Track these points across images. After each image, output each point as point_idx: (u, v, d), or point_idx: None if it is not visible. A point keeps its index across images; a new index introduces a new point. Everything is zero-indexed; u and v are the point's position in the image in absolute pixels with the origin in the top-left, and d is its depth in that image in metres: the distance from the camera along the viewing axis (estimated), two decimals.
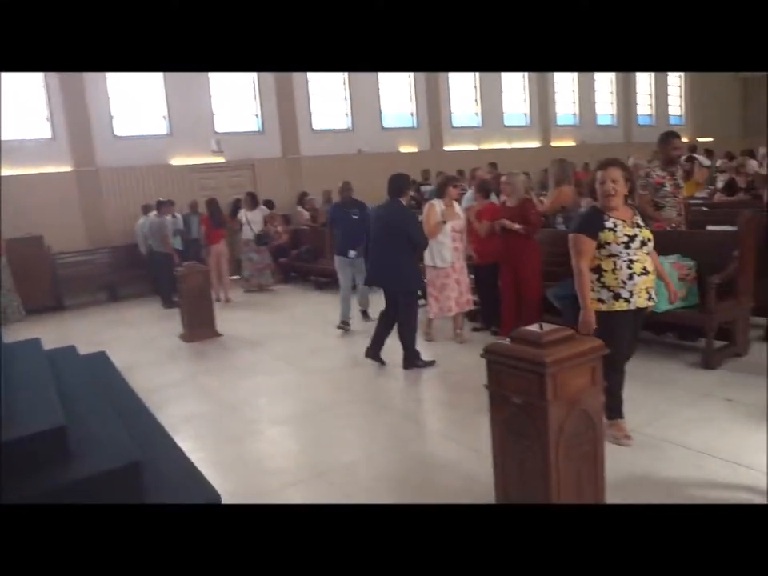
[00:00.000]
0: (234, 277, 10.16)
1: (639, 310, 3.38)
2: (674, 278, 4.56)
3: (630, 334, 3.46)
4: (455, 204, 5.81)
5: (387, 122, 14.29)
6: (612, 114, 20.21)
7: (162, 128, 11.19)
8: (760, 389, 3.95)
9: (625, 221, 3.36)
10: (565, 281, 5.33)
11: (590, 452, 2.57)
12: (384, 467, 3.54)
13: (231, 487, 3.38)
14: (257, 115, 12.32)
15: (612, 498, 2.68)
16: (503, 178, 5.95)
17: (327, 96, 13.39)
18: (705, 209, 6.79)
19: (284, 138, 12.49)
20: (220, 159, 11.67)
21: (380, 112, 14.12)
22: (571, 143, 18.01)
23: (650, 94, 21.68)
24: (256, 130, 12.32)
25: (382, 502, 3.12)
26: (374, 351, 5.32)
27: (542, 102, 17.52)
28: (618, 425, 3.54)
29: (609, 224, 3.33)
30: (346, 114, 13.66)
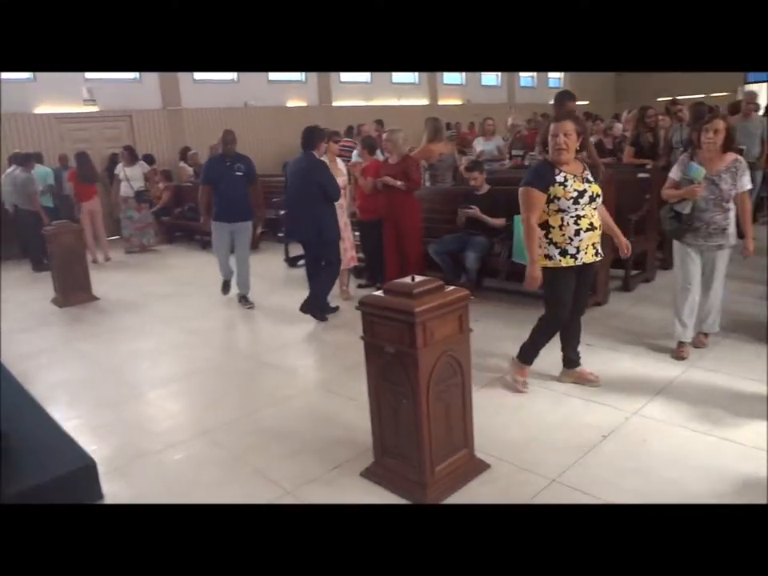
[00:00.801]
0: (114, 237, 9.64)
1: (586, 265, 3.42)
2: None
3: (582, 289, 3.54)
4: (338, 160, 5.81)
5: (274, 75, 13.87)
6: (496, 75, 20.76)
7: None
8: (662, 307, 4.63)
9: (575, 175, 3.32)
10: (444, 237, 5.55)
11: (458, 395, 2.74)
12: (267, 422, 3.58)
13: (109, 452, 3.30)
14: None
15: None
16: (385, 135, 6.00)
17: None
18: None
19: (164, 88, 11.80)
20: (92, 108, 10.86)
21: None
22: (458, 102, 18.35)
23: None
24: (132, 78, 11.56)
25: (264, 455, 3.18)
26: (321, 314, 5.33)
27: None
28: (522, 369, 3.69)
29: (559, 178, 3.29)
30: None
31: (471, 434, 2.86)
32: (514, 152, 8.56)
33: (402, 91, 16.79)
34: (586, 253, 3.36)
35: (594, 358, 4.01)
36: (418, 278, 2.61)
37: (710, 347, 4.10)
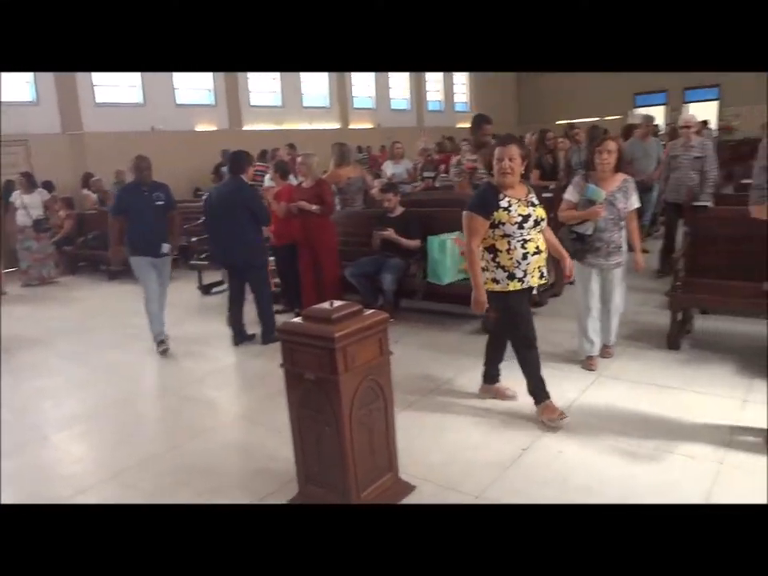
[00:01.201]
0: (10, 270, 9.05)
1: (531, 288, 3.41)
2: (456, 253, 4.99)
3: (528, 310, 3.52)
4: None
5: (182, 98, 13.59)
6: (406, 99, 21.26)
7: None
8: (572, 319, 4.55)
9: (519, 199, 3.31)
10: (360, 259, 5.59)
11: (381, 418, 2.75)
12: (186, 458, 3.44)
13: (15, 501, 3.06)
14: (29, 82, 10.98)
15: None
16: (299, 159, 6.01)
17: None
18: None
19: (63, 112, 11.31)
20: None
21: (173, 88, 13.39)
22: (369, 126, 18.63)
23: (439, 81, 23.12)
24: (29, 100, 10.99)
25: (184, 493, 3.05)
26: (238, 334, 5.32)
27: (340, 85, 17.86)
28: (548, 407, 3.45)
29: (503, 203, 3.26)
30: (136, 87, 12.74)
31: (395, 457, 2.86)
32: (425, 174, 8.77)
33: (313, 115, 16.88)
34: (532, 276, 3.34)
35: (510, 371, 4.13)
36: (336, 303, 2.61)
37: (616, 356, 4.33)
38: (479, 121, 5.38)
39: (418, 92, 21.48)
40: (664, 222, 6.55)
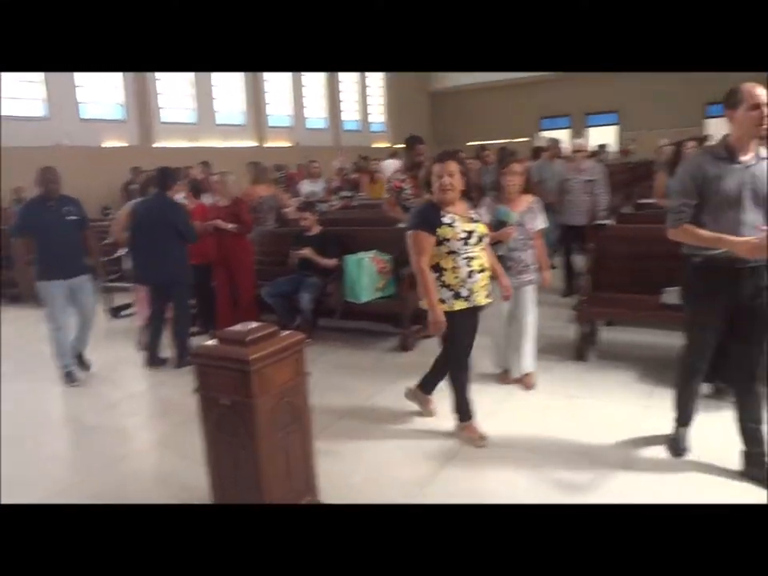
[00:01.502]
0: None
1: (477, 307, 3.36)
2: (373, 271, 5.03)
3: (470, 331, 3.45)
4: None
5: (89, 113, 13.05)
6: (324, 119, 21.37)
7: None
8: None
9: (462, 216, 3.28)
10: (277, 279, 5.53)
11: (299, 441, 2.71)
12: (98, 489, 3.25)
13: None
14: None
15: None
16: (215, 178, 5.92)
17: (15, 77, 11.69)
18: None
19: None
20: None
21: (76, 102, 12.84)
22: (286, 144, 18.57)
23: (356, 101, 23.41)
24: None
25: None
26: (152, 357, 5.13)
27: (256, 102, 17.74)
28: (469, 427, 3.48)
29: (446, 219, 3.22)
30: (40, 100, 12.13)
31: (314, 479, 2.83)
32: (342, 193, 8.82)
33: (228, 132, 16.66)
34: (478, 295, 3.30)
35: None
36: (251, 325, 2.57)
37: None
38: (412, 141, 5.39)
39: (334, 111, 21.66)
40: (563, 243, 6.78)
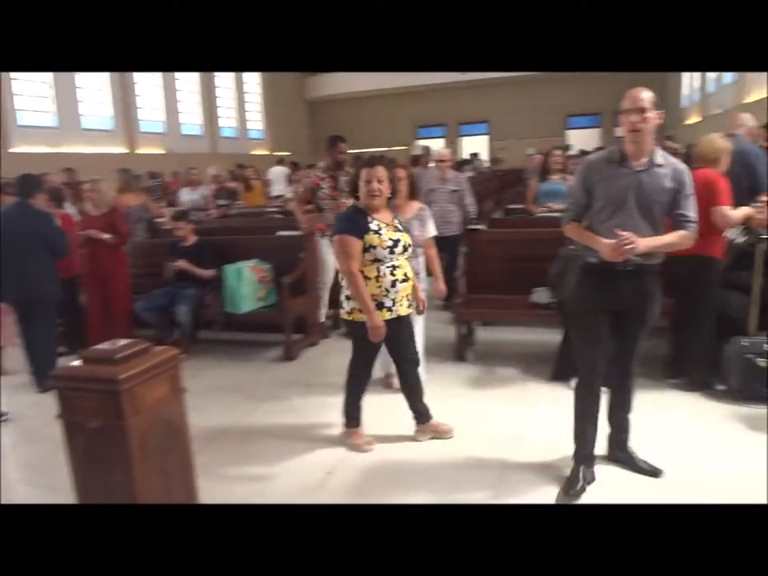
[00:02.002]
0: None
1: (401, 317, 3.28)
2: (253, 280, 4.94)
3: (406, 340, 3.38)
4: None
5: None
6: (199, 125, 20.72)
7: None
8: (334, 373, 4.60)
9: (387, 224, 3.20)
10: (152, 292, 5.27)
11: (178, 461, 2.59)
12: None
13: None
14: None
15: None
16: (87, 186, 5.54)
17: None
18: (278, 215, 7.52)
19: None
20: None
21: None
22: (159, 151, 17.81)
23: (233, 108, 22.91)
24: None
25: None
26: (39, 379, 4.66)
27: (126, 106, 16.88)
28: (357, 433, 3.49)
29: (373, 226, 3.13)
30: None
31: (196, 498, 2.71)
32: (219, 202, 8.58)
33: (94, 138, 15.71)
34: (401, 305, 3.24)
35: (311, 399, 4.18)
36: (120, 342, 2.42)
37: None
38: (334, 140, 5.33)
39: (211, 118, 21.08)
40: None
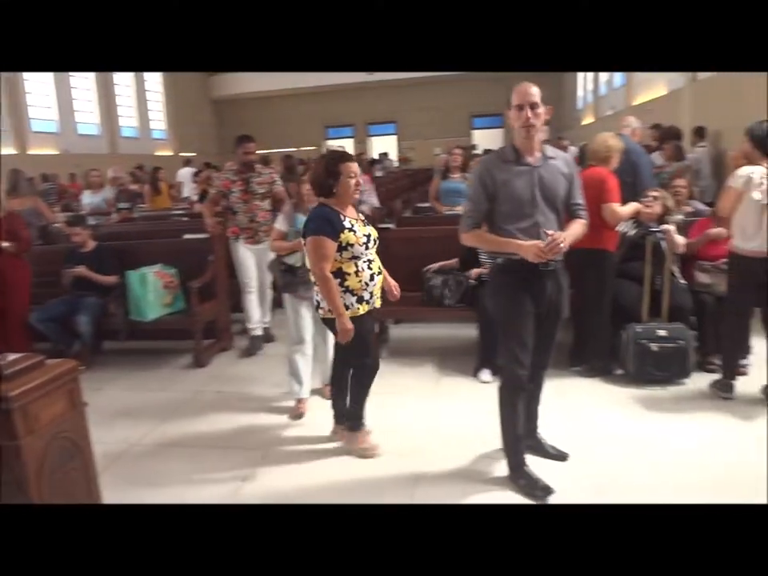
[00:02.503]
0: None
1: (370, 311, 3.24)
2: (158, 286, 4.76)
3: (372, 331, 3.35)
4: None
5: None
6: (96, 124, 19.73)
7: None
8: (247, 379, 4.51)
9: (356, 219, 3.18)
10: (49, 302, 4.96)
11: (81, 479, 2.46)
12: None
13: None
14: None
15: None
16: None
17: None
18: (185, 218, 7.28)
19: None
20: None
21: None
22: (53, 152, 16.83)
23: (133, 107, 21.98)
24: None
25: None
26: None
27: (15, 105, 15.82)
28: (363, 437, 3.38)
29: (347, 224, 3.09)
30: None
31: None
32: (120, 205, 8.21)
33: None
34: (377, 298, 3.26)
35: (223, 406, 4.09)
36: (10, 356, 2.27)
37: None
38: (240, 139, 5.15)
39: (109, 116, 20.12)
40: None
